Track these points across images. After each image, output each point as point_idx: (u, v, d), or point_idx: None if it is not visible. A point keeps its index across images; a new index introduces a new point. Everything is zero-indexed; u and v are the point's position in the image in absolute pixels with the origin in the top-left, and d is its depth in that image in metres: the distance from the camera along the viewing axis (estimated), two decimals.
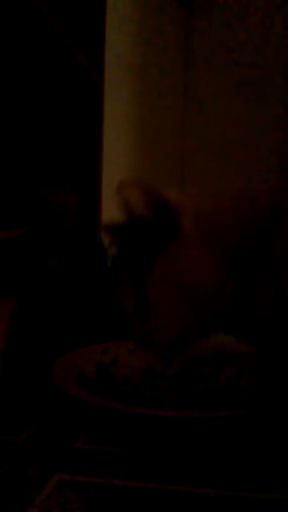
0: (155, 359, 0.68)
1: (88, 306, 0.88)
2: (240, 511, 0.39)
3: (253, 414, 0.53)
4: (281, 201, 0.50)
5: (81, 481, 0.43)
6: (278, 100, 1.86)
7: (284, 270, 0.47)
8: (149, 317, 0.52)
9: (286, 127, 1.84)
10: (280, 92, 1.86)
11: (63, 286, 0.85)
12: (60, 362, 0.65)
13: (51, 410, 0.59)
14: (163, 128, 1.83)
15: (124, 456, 0.48)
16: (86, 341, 0.75)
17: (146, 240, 0.51)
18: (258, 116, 1.87)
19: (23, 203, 0.80)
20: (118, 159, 1.44)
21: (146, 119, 1.67)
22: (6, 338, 0.69)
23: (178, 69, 1.94)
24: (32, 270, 0.75)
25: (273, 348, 0.51)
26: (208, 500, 0.41)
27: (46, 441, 0.51)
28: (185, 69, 1.96)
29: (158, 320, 0.51)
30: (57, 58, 0.92)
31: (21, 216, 0.77)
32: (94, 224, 1.13)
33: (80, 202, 1.07)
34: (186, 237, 0.50)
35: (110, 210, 0.65)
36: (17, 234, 0.73)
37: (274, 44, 1.86)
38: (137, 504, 0.40)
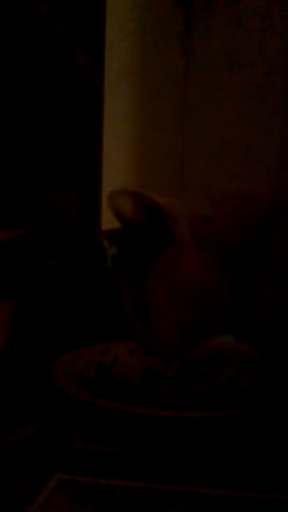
0: (156, 360, 0.68)
1: (88, 306, 0.88)
2: (240, 511, 0.39)
3: (253, 414, 0.53)
4: (281, 201, 0.50)
5: (81, 481, 0.43)
6: (278, 100, 1.86)
7: (284, 270, 0.47)
8: (149, 321, 0.52)
9: (286, 127, 1.84)
10: (280, 92, 1.86)
11: (63, 286, 0.85)
12: (60, 362, 0.65)
13: (51, 410, 0.59)
14: (163, 128, 1.83)
15: (124, 456, 0.48)
16: (86, 341, 0.75)
17: (142, 246, 0.51)
18: (258, 116, 1.87)
19: (23, 203, 0.80)
20: (118, 159, 1.44)
21: (146, 119, 1.67)
22: (6, 338, 0.69)
23: (178, 69, 1.94)
24: (32, 270, 0.75)
25: (273, 348, 0.51)
26: (208, 500, 0.41)
27: (46, 441, 0.51)
28: (185, 69, 1.96)
29: (158, 324, 0.51)
30: (57, 58, 0.92)
31: (21, 216, 0.77)
32: (94, 224, 1.14)
33: (80, 202, 1.07)
34: (180, 242, 0.50)
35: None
36: (17, 234, 0.73)
37: (274, 44, 1.86)
38: (137, 504, 0.40)
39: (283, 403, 0.54)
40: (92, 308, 0.88)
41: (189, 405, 0.58)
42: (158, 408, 0.56)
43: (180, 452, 0.49)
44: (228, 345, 0.68)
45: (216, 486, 0.43)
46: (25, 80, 0.85)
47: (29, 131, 0.87)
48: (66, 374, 0.62)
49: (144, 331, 0.53)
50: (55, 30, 0.84)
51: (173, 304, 0.50)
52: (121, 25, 1.43)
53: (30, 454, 0.48)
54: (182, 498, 0.41)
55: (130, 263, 0.53)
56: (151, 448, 0.50)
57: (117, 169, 1.40)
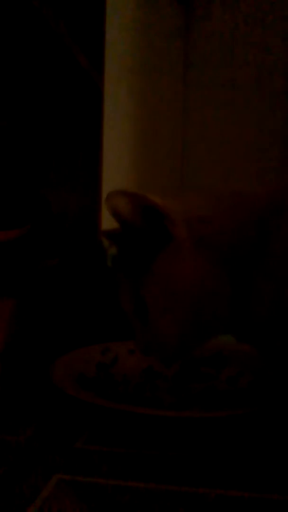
0: (156, 360, 0.68)
1: (88, 306, 0.88)
2: (240, 511, 0.39)
3: (253, 414, 0.53)
4: (280, 202, 0.50)
5: (81, 481, 0.43)
6: (278, 100, 1.86)
7: (284, 270, 0.47)
8: (148, 322, 0.52)
9: (286, 127, 1.84)
10: (280, 92, 1.86)
11: (63, 286, 0.85)
12: (60, 362, 0.65)
13: (51, 410, 0.59)
14: (163, 128, 1.83)
15: (124, 456, 0.48)
16: (86, 341, 0.75)
17: (140, 246, 0.51)
18: (258, 116, 1.87)
19: (23, 203, 0.80)
20: (118, 159, 1.44)
21: (146, 119, 1.67)
22: (6, 338, 0.69)
23: (178, 69, 1.95)
24: (32, 270, 0.75)
25: (273, 348, 0.51)
26: (208, 500, 0.41)
27: (46, 441, 0.51)
28: (185, 69, 1.96)
29: (156, 325, 0.51)
30: (57, 58, 0.92)
31: (21, 216, 0.77)
32: (94, 224, 1.13)
33: (80, 202, 1.07)
34: (178, 242, 0.49)
35: None
36: (17, 234, 0.73)
37: (274, 44, 1.86)
38: (137, 504, 0.40)
39: (283, 403, 0.54)
40: (92, 308, 0.88)
41: (189, 405, 0.58)
42: (158, 408, 0.56)
43: (180, 452, 0.49)
44: (228, 345, 0.68)
45: (216, 486, 0.43)
46: (25, 80, 0.85)
47: (29, 131, 0.87)
48: (66, 374, 0.62)
49: (144, 332, 0.53)
50: (55, 30, 0.84)
51: (171, 305, 0.50)
52: (121, 25, 1.43)
53: (30, 454, 0.48)
54: (182, 498, 0.41)
55: (128, 264, 0.53)
56: (151, 448, 0.50)
57: (117, 169, 1.40)
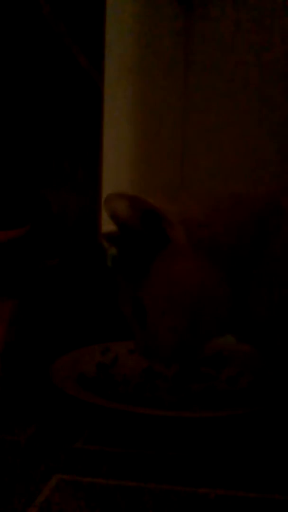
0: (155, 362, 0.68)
1: (88, 306, 0.88)
2: (240, 511, 0.39)
3: (253, 414, 0.53)
4: (280, 202, 0.50)
5: (81, 481, 0.43)
6: (278, 100, 1.86)
7: (282, 271, 0.47)
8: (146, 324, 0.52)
9: (286, 127, 1.84)
10: (280, 92, 1.86)
11: (63, 286, 0.85)
12: (60, 362, 0.65)
13: (51, 410, 0.59)
14: (163, 128, 1.83)
15: (124, 456, 0.48)
16: (86, 341, 0.75)
17: (138, 249, 0.51)
18: (259, 116, 1.87)
19: (23, 203, 0.80)
20: (118, 159, 1.44)
21: (146, 119, 1.67)
22: (5, 338, 0.69)
23: (178, 69, 1.94)
24: (32, 270, 0.75)
25: (273, 348, 0.51)
26: (208, 500, 0.41)
27: (46, 441, 0.51)
28: (185, 69, 1.96)
29: (154, 327, 0.51)
30: (57, 58, 0.92)
31: (21, 216, 0.77)
32: (94, 224, 1.13)
33: (80, 202, 1.07)
34: (176, 245, 0.49)
35: None
36: (17, 234, 0.73)
37: (274, 44, 1.86)
38: (137, 504, 0.40)
39: (283, 403, 0.54)
40: (92, 308, 0.88)
41: (189, 405, 0.58)
42: (158, 408, 0.56)
43: (180, 452, 0.49)
44: (228, 345, 0.68)
45: (216, 486, 0.43)
46: (25, 80, 0.85)
47: (29, 131, 0.87)
48: (66, 374, 0.62)
49: (143, 334, 0.53)
50: (55, 30, 0.84)
51: (169, 307, 0.50)
52: (121, 25, 1.43)
53: (30, 454, 0.48)
54: (182, 498, 0.41)
55: (127, 266, 0.53)
56: (151, 448, 0.50)
57: (117, 169, 1.40)
